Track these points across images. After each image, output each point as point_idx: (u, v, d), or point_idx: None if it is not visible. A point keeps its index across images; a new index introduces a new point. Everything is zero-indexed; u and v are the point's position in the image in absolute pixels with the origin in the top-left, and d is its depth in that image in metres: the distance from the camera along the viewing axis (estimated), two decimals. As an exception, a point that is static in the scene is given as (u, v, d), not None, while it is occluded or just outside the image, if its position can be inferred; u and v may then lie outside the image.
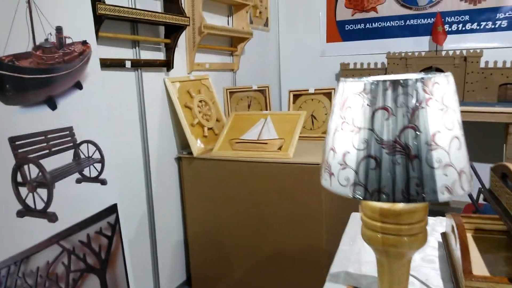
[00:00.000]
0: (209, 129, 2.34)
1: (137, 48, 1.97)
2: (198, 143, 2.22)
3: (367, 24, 3.30)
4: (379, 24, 3.26)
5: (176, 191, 2.32)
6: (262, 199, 2.07)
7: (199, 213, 2.26)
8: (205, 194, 2.21)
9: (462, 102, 2.81)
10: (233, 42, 2.79)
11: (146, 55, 2.05)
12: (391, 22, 3.21)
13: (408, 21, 3.16)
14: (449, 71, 3.07)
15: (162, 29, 2.13)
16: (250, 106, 2.80)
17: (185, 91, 2.28)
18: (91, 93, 1.48)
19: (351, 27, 3.37)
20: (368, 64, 3.17)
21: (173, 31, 2.08)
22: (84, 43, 1.46)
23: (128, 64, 1.88)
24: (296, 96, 2.56)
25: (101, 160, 1.51)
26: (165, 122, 2.22)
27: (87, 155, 1.46)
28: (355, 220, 1.30)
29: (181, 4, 2.08)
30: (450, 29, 3.02)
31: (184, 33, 2.24)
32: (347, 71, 3.24)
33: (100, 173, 1.51)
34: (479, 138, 3.07)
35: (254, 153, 2.10)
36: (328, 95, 2.47)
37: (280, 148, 2.09)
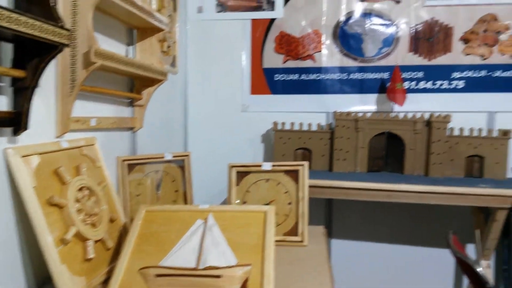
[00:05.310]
0: (97, 241, 1.25)
1: None
2: (73, 278, 1.10)
3: (303, 74, 2.61)
4: (317, 76, 2.59)
5: None
6: None
7: None
8: None
9: (426, 178, 2.24)
10: (135, 85, 1.77)
11: (-36, 100, 0.93)
12: (332, 75, 2.58)
13: (352, 74, 2.56)
14: (408, 137, 2.53)
15: (7, 47, 1.03)
16: (161, 186, 1.77)
17: (50, 171, 1.17)
18: None
19: (282, 77, 2.63)
20: (309, 125, 2.44)
21: (34, 54, 1.00)
22: None
23: None
24: (242, 175, 1.63)
25: None
26: (5, 238, 1.07)
27: None
28: None
29: (55, 5, 1.03)
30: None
31: (54, 61, 1.18)
32: (282, 133, 2.45)
33: None
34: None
35: (197, 298, 1.09)
36: (293, 174, 1.60)
37: (244, 286, 1.12)
